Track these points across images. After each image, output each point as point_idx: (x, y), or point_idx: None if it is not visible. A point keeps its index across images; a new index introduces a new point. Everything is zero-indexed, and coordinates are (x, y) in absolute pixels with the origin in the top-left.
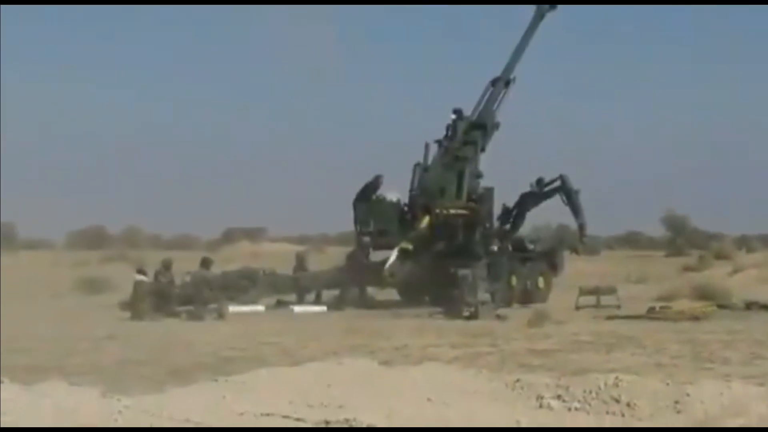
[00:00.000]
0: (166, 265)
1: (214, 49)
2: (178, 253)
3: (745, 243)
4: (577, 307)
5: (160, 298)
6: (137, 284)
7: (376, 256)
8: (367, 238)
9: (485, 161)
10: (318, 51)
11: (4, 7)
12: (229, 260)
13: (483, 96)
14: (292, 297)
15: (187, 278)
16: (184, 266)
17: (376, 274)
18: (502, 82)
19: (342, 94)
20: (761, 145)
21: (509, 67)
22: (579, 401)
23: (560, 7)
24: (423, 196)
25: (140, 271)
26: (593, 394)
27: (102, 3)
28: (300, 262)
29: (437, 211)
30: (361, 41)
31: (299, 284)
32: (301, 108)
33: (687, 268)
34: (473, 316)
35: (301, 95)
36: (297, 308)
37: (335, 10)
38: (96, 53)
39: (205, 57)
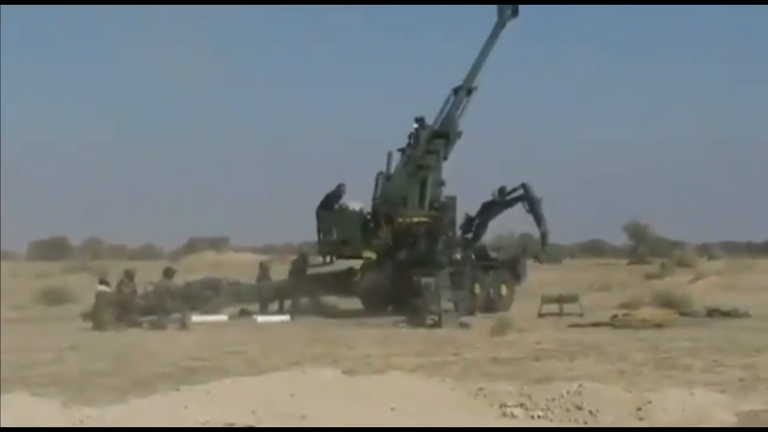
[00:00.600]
0: (129, 276)
1: (181, 57)
2: (141, 263)
3: (706, 251)
4: (540, 315)
5: (122, 309)
6: (99, 295)
7: (339, 264)
8: (306, 250)
9: (448, 170)
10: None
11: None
12: (193, 270)
13: (445, 104)
14: (256, 306)
15: (150, 288)
16: (148, 276)
17: (340, 282)
18: (464, 91)
19: (305, 102)
20: (722, 154)
21: (471, 75)
22: (542, 409)
23: (522, 15)
24: (386, 205)
25: (102, 282)
26: (556, 402)
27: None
28: (263, 272)
29: (400, 219)
30: (321, 47)
31: (262, 294)
32: (264, 117)
33: (649, 276)
34: (436, 325)
35: (263, 104)
36: (260, 318)
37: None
38: (56, 63)
39: (168, 65)
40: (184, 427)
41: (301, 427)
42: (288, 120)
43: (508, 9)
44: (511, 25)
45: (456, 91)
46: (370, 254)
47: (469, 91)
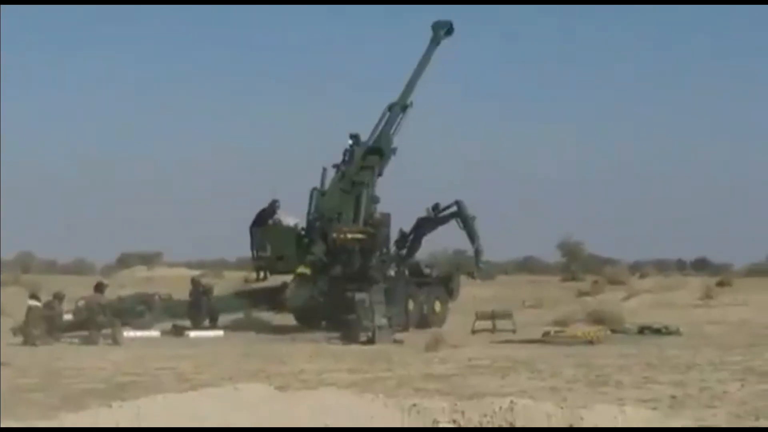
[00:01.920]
0: (58, 297)
1: (115, 70)
2: (72, 278)
3: (638, 269)
4: (474, 332)
5: (51, 324)
6: (30, 309)
7: (273, 280)
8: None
9: (382, 186)
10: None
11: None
12: (125, 285)
13: (380, 121)
14: (188, 322)
15: (81, 303)
16: (79, 291)
17: (273, 298)
18: (398, 107)
19: (238, 116)
20: (654, 172)
21: (406, 92)
22: (474, 425)
23: (457, 33)
24: (320, 221)
25: (33, 297)
26: (488, 418)
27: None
28: (196, 287)
29: (334, 235)
30: (256, 60)
31: (195, 309)
32: (197, 131)
33: (581, 293)
34: (370, 341)
35: (195, 119)
36: (193, 333)
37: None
38: None
39: (105, 79)
40: (191, 427)
41: (297, 427)
42: (221, 135)
43: (443, 27)
44: (446, 42)
45: (391, 107)
46: (305, 270)
47: (404, 108)
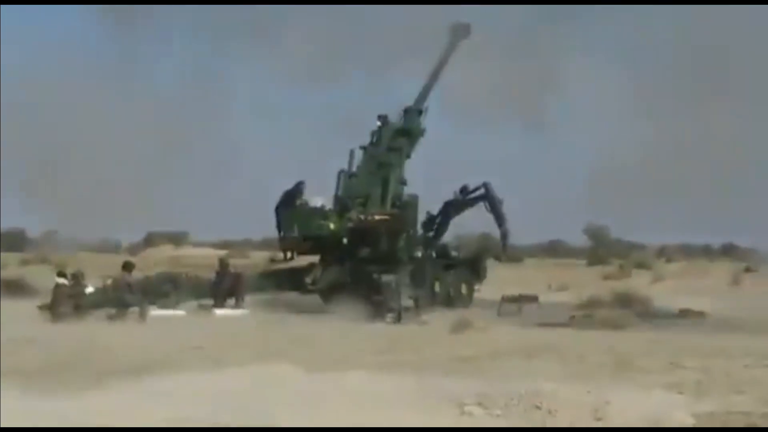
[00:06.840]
0: (77, 276)
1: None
2: (99, 256)
3: (664, 253)
4: (500, 314)
5: (78, 302)
6: (57, 287)
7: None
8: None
9: (410, 168)
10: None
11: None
12: (152, 264)
13: (398, 120)
14: (214, 301)
15: (109, 282)
16: (106, 270)
17: (300, 278)
18: (414, 111)
19: (266, 96)
20: (681, 155)
21: (422, 96)
22: (500, 408)
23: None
24: (347, 203)
25: (60, 274)
26: (514, 401)
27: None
28: (223, 267)
29: (362, 217)
30: (281, 46)
31: (220, 288)
32: (224, 112)
33: (608, 277)
34: (396, 322)
35: (223, 100)
36: (219, 311)
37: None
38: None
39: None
40: (178, 427)
41: (296, 427)
42: (247, 116)
43: (460, 30)
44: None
45: (406, 111)
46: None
47: (420, 112)
